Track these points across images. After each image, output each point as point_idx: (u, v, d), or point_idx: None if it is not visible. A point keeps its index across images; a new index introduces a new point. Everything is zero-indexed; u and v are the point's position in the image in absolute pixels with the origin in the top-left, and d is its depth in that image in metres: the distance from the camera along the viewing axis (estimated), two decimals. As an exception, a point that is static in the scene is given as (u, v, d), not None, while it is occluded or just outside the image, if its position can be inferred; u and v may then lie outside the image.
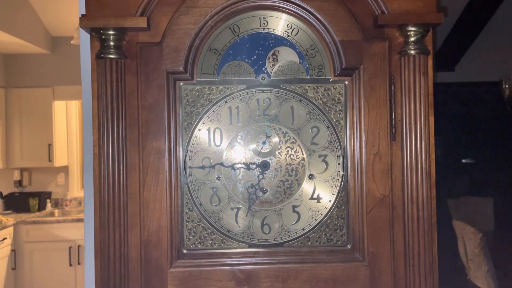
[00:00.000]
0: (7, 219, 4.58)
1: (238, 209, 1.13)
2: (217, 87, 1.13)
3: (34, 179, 5.30)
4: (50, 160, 5.03)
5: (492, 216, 4.42)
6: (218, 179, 1.13)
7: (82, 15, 1.07)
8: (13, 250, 4.60)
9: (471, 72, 4.68)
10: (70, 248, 4.69)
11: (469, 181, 5.02)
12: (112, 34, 1.04)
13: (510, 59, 4.38)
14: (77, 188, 5.36)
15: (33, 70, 5.17)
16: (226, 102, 1.13)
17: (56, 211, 5.14)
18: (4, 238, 4.43)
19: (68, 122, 5.39)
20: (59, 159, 5.14)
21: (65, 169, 5.34)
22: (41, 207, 5.09)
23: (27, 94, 5.03)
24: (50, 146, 5.03)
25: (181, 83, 1.11)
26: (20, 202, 5.02)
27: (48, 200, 5.20)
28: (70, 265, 4.69)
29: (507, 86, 3.81)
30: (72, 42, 4.13)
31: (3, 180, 5.13)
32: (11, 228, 4.57)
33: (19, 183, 5.20)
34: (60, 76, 5.07)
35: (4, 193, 5.06)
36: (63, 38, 5.14)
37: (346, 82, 1.13)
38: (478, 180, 4.98)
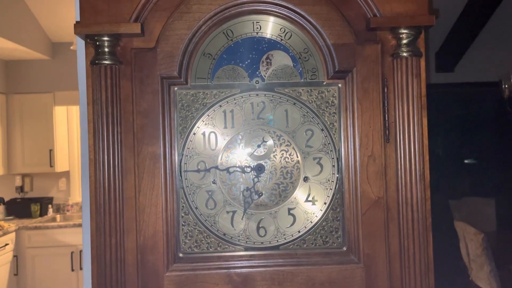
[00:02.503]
0: (9, 225, 4.59)
1: (234, 212, 1.13)
2: (212, 91, 1.14)
3: (36, 184, 5.32)
4: (51, 166, 5.04)
5: (494, 216, 4.41)
6: (214, 183, 1.13)
7: (77, 22, 1.08)
8: (15, 256, 4.60)
9: (471, 72, 4.68)
10: (72, 253, 4.69)
11: (470, 181, 5.01)
12: (107, 40, 1.05)
13: (509, 59, 4.38)
14: (79, 193, 5.36)
15: (34, 76, 5.19)
16: (220, 106, 1.14)
17: (58, 216, 5.15)
18: (6, 244, 4.44)
19: (69, 127, 5.40)
20: (60, 165, 5.16)
21: (66, 175, 5.35)
22: (43, 212, 5.09)
23: (28, 100, 5.04)
24: (51, 151, 5.04)
25: (176, 88, 1.12)
26: (22, 207, 5.03)
27: (49, 206, 5.21)
28: (72, 270, 4.69)
29: (506, 86, 3.81)
30: (71, 47, 4.15)
31: (4, 186, 5.14)
32: (13, 234, 4.58)
33: (21, 188, 5.21)
34: (61, 82, 5.09)
35: (6, 199, 5.07)
36: (63, 44, 5.16)
37: (340, 85, 1.14)
38: (479, 180, 4.97)
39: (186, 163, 1.13)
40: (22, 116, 5.04)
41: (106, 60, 1.05)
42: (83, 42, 1.25)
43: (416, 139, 1.07)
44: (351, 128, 1.11)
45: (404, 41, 1.07)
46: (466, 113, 5.02)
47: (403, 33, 1.07)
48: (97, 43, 1.05)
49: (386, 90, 1.09)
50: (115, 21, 1.05)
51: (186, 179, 1.13)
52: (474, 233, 3.38)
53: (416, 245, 1.07)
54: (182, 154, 1.13)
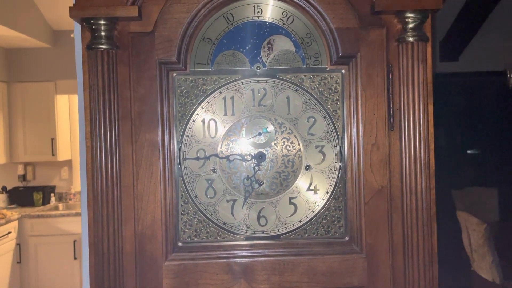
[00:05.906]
0: (12, 213, 4.59)
1: (234, 201, 1.11)
2: (211, 77, 1.11)
3: (38, 173, 5.32)
4: (53, 154, 5.04)
5: (496, 206, 4.38)
6: (214, 171, 1.11)
7: (73, 5, 1.05)
8: (18, 244, 4.62)
9: (475, 61, 4.62)
10: (74, 241, 4.71)
11: (473, 171, 4.98)
12: (103, 24, 1.02)
13: (515, 48, 4.31)
14: (81, 182, 5.35)
15: (35, 65, 5.16)
16: (220, 92, 1.11)
17: (60, 205, 5.16)
18: (9, 232, 4.45)
19: (71, 116, 5.38)
20: (63, 153, 5.15)
21: (68, 163, 5.35)
22: (45, 201, 5.10)
23: (30, 89, 5.02)
24: (53, 140, 5.03)
25: (174, 74, 1.09)
26: (24, 196, 5.04)
27: (52, 194, 5.22)
28: (75, 258, 4.71)
29: (511, 76, 3.76)
30: (72, 35, 4.11)
31: (7, 174, 5.15)
32: (16, 222, 4.60)
33: (23, 177, 5.21)
34: (62, 70, 5.05)
35: (8, 187, 5.08)
36: (64, 32, 5.12)
37: (343, 71, 1.10)
38: (482, 170, 4.94)
39: (185, 151, 1.10)
40: (23, 104, 5.03)
41: (102, 44, 1.02)
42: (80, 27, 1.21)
43: (421, 126, 1.04)
44: (355, 115, 1.08)
45: (410, 26, 1.04)
46: (470, 103, 4.96)
47: (409, 17, 1.04)
48: (93, 27, 1.02)
49: (391, 76, 1.06)
50: (111, 4, 1.02)
51: (186, 167, 1.10)
52: (476, 223, 3.36)
53: (420, 235, 1.05)
54: (181, 142, 1.10)
